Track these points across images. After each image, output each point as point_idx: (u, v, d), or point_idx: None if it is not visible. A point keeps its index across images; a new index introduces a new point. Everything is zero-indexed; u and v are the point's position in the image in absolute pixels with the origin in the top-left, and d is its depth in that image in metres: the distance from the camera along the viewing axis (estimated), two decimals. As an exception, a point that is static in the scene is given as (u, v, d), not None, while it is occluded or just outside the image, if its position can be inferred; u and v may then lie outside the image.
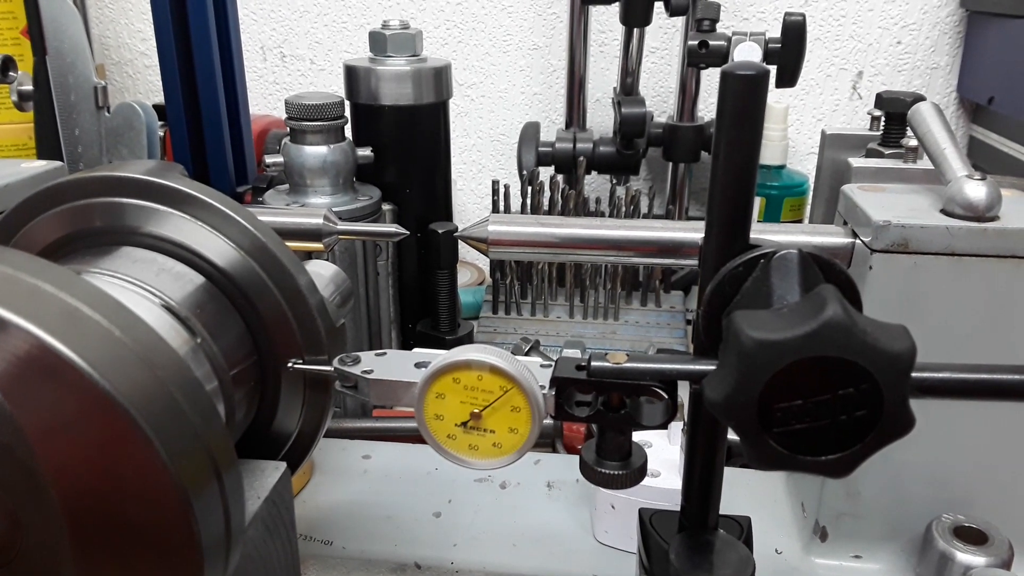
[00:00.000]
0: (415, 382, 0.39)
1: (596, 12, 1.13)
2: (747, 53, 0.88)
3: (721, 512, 0.42)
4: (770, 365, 0.29)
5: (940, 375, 0.31)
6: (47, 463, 0.27)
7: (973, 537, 0.51)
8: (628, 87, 1.10)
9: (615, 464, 0.38)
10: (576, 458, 0.39)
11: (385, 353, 0.42)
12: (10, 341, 0.26)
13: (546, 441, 0.75)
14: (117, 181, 0.40)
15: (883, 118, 0.73)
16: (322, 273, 0.48)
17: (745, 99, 0.33)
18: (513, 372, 0.37)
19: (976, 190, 0.48)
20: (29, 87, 0.74)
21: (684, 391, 0.38)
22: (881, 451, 0.31)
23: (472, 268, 1.21)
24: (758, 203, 1.08)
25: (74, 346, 0.26)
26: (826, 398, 0.30)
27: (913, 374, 0.29)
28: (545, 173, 1.03)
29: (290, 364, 0.42)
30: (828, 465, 0.31)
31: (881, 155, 0.70)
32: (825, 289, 0.30)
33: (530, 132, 1.09)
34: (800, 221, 1.09)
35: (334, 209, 0.58)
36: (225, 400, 0.39)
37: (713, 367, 0.33)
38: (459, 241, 0.54)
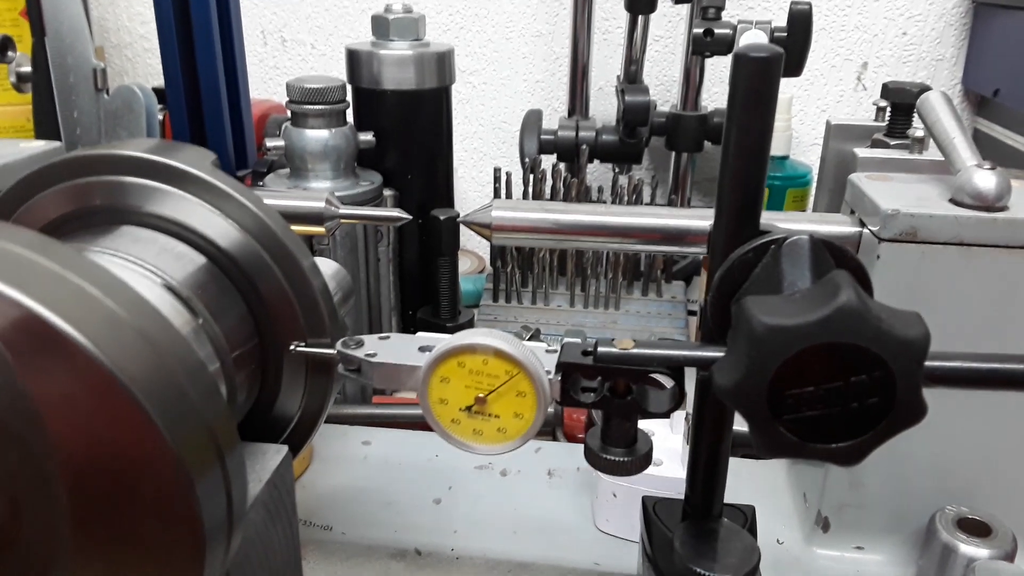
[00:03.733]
0: (419, 366, 0.38)
1: (600, -1, 1.12)
2: (752, 42, 0.87)
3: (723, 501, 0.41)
4: (782, 351, 0.29)
5: (953, 364, 0.31)
6: (48, 444, 0.27)
7: (976, 529, 0.51)
8: (632, 75, 1.09)
9: (620, 451, 0.38)
10: (577, 447, 0.39)
11: (389, 337, 0.42)
12: (12, 318, 0.26)
13: (547, 429, 0.75)
14: (118, 159, 0.39)
15: (889, 108, 0.73)
16: (323, 270, 0.48)
17: (758, 82, 0.33)
18: (519, 356, 0.37)
19: (986, 180, 0.48)
20: (28, 68, 0.73)
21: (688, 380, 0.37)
22: (889, 439, 0.30)
23: (472, 256, 1.20)
24: (761, 193, 1.07)
25: (76, 324, 0.26)
26: (838, 385, 0.29)
27: (926, 363, 0.29)
28: (547, 161, 1.02)
29: (292, 346, 0.41)
30: (838, 453, 0.30)
31: (887, 146, 0.70)
32: (838, 275, 0.30)
33: (532, 120, 1.08)
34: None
35: (335, 194, 0.57)
36: (227, 381, 0.38)
37: (722, 353, 0.33)
38: (460, 228, 0.53)
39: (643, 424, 0.39)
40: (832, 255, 0.34)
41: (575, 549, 0.57)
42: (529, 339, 0.87)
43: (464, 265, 1.16)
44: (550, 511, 0.61)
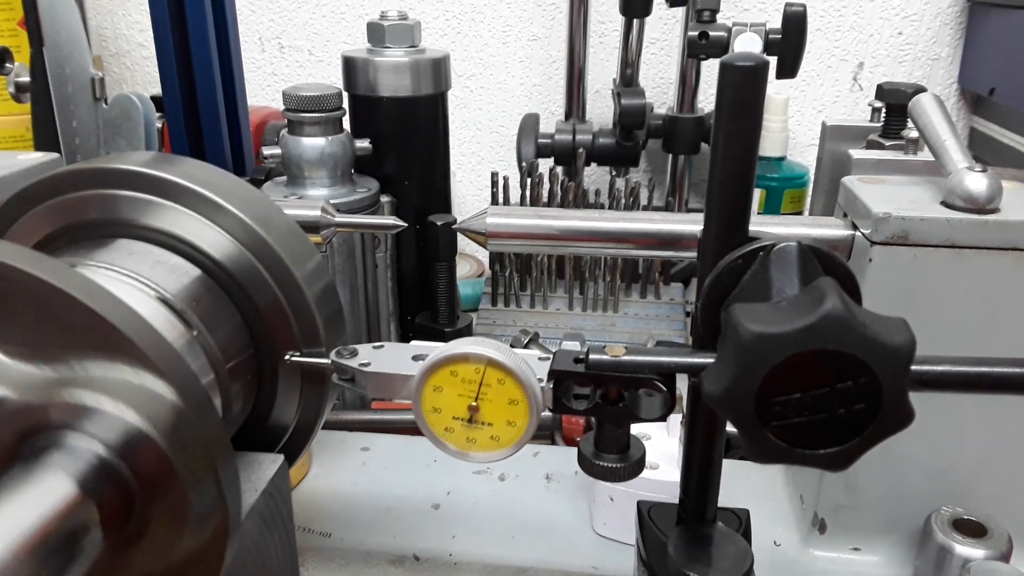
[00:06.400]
0: (412, 375, 0.39)
1: (596, 2, 1.12)
2: (747, 44, 0.87)
3: (719, 504, 0.41)
4: (769, 358, 0.29)
5: (940, 368, 0.31)
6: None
7: (972, 530, 0.51)
8: (628, 78, 1.09)
9: (613, 457, 0.38)
10: (575, 450, 0.39)
11: (383, 346, 0.42)
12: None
13: (545, 433, 0.75)
14: (112, 173, 0.39)
15: (884, 109, 0.73)
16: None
17: (744, 91, 0.33)
18: (511, 365, 0.37)
19: (977, 182, 0.48)
20: (26, 78, 0.73)
21: (683, 383, 0.38)
22: (880, 443, 0.31)
23: (471, 260, 1.20)
24: (758, 195, 1.08)
25: (68, 339, 0.26)
26: (825, 391, 0.30)
27: (912, 367, 0.29)
28: (544, 165, 1.02)
29: (287, 357, 0.41)
30: (827, 459, 0.31)
31: (882, 147, 0.70)
32: (824, 282, 0.30)
33: (529, 124, 1.08)
34: (800, 213, 1.09)
35: (332, 201, 0.57)
36: (222, 393, 0.39)
37: (711, 360, 0.33)
38: (458, 233, 0.54)
39: (639, 427, 0.39)
40: (820, 261, 0.34)
41: (573, 553, 0.57)
42: (528, 343, 0.87)
43: (463, 269, 1.16)
44: (548, 515, 0.61)
